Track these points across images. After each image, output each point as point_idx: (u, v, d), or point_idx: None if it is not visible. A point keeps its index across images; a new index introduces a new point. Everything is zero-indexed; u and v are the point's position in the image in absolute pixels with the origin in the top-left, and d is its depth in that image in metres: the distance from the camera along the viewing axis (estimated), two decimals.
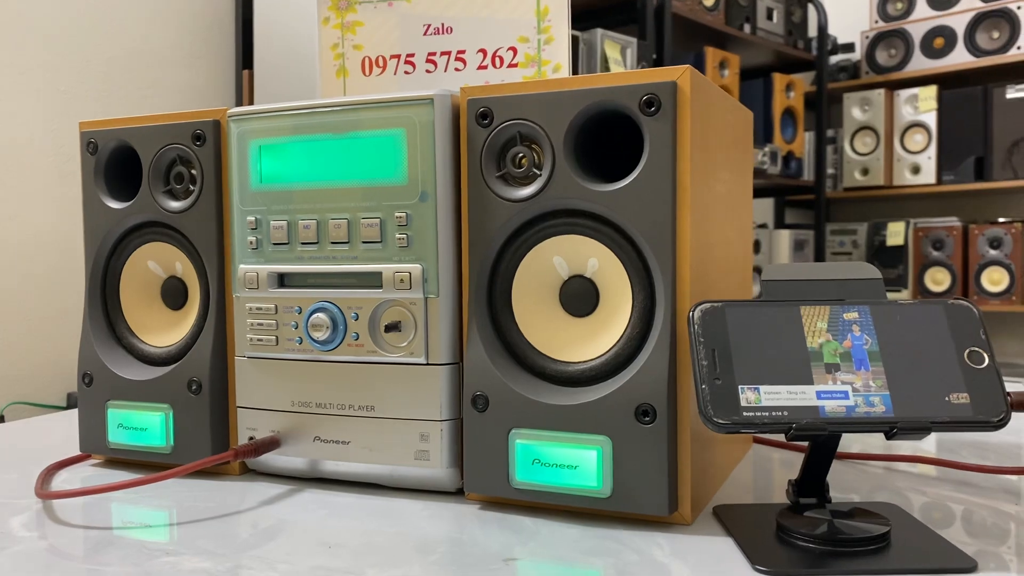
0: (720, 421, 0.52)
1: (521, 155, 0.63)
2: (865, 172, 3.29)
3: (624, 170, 0.60)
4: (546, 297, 0.64)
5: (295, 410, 0.71)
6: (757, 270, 2.87)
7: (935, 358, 0.54)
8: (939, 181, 3.16)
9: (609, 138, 0.64)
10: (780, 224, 3.62)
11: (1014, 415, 0.54)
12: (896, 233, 3.21)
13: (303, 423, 0.70)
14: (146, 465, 0.78)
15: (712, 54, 2.77)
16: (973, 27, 3.07)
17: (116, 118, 0.78)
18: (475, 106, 0.64)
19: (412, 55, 0.83)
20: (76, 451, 0.82)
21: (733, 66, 2.84)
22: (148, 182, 0.75)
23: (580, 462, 0.60)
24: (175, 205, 0.75)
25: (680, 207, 0.59)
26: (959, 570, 0.51)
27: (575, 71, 2.17)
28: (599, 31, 2.33)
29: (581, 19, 2.45)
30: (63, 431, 0.96)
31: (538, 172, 0.63)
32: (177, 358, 0.76)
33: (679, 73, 0.59)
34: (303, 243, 0.69)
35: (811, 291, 0.58)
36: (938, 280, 3.15)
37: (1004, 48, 3.01)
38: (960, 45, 3.10)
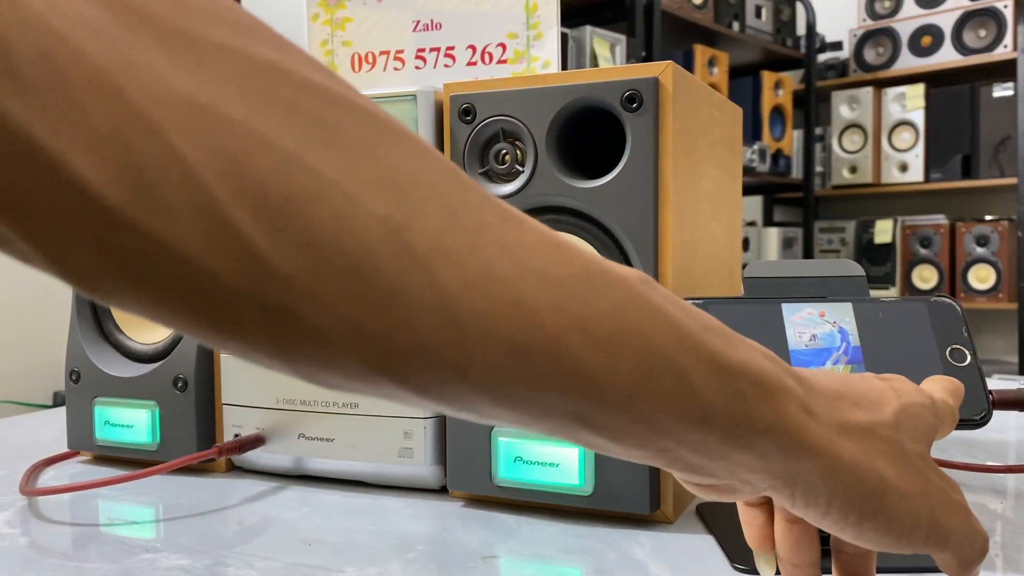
0: None
1: (504, 151, 0.63)
2: (853, 170, 3.30)
3: (607, 167, 0.61)
4: None
5: (280, 407, 0.71)
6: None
7: (917, 356, 0.54)
8: (927, 179, 3.18)
9: (592, 134, 0.64)
10: (769, 222, 3.63)
11: (999, 413, 0.54)
12: (884, 231, 3.23)
13: (288, 420, 0.70)
14: (132, 462, 0.78)
15: (701, 52, 2.78)
16: (960, 26, 3.08)
17: None
18: (458, 102, 0.64)
19: (401, 51, 0.83)
20: (64, 448, 0.82)
21: (722, 64, 2.85)
22: None
23: (562, 460, 0.60)
24: None
25: (662, 204, 0.59)
26: None
27: (564, 68, 2.17)
28: (588, 28, 2.33)
29: (570, 16, 2.45)
30: (50, 429, 0.95)
31: (521, 169, 0.63)
32: (164, 355, 0.75)
33: (661, 69, 0.59)
34: None
35: (793, 288, 0.58)
36: (925, 278, 3.17)
37: (991, 47, 3.03)
38: (947, 44, 3.11)
